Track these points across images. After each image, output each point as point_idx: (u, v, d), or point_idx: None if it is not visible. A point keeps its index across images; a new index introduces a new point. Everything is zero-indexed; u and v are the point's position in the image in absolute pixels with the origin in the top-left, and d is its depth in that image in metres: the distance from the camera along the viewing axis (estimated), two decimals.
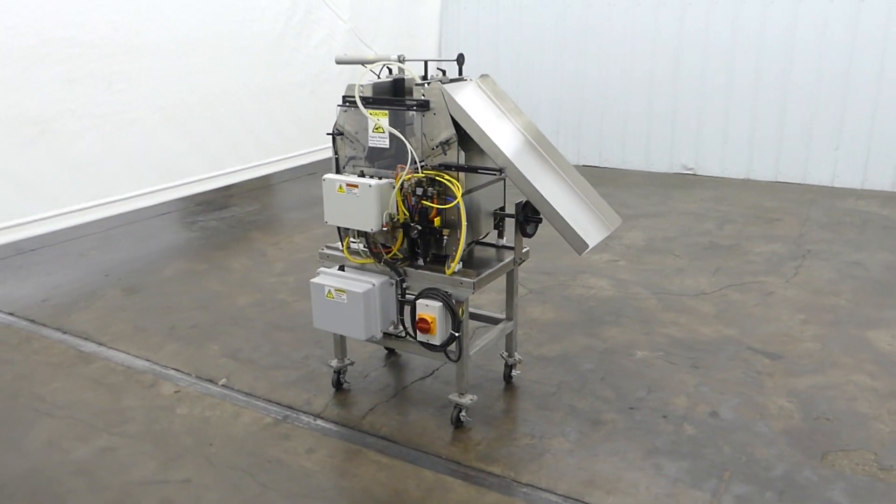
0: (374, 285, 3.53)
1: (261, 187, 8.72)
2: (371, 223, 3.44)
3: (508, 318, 3.97)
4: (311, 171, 9.36)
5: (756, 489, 3.10)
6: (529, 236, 3.64)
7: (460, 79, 3.67)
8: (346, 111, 3.61)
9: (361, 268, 3.71)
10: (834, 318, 4.74)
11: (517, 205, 3.52)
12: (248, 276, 5.80)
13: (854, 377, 3.99)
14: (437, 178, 3.36)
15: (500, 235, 3.87)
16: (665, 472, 3.25)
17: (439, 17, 10.01)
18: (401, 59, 3.68)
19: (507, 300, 3.95)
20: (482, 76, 3.76)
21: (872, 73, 7.67)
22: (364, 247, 3.66)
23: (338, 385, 4.03)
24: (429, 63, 3.77)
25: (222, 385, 4.13)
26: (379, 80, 3.72)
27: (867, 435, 3.46)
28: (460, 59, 3.64)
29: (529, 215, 3.57)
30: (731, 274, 5.57)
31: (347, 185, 3.46)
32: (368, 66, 3.89)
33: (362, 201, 3.44)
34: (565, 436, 3.54)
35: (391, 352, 4.46)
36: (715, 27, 8.40)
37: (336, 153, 3.72)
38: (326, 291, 3.59)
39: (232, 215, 7.60)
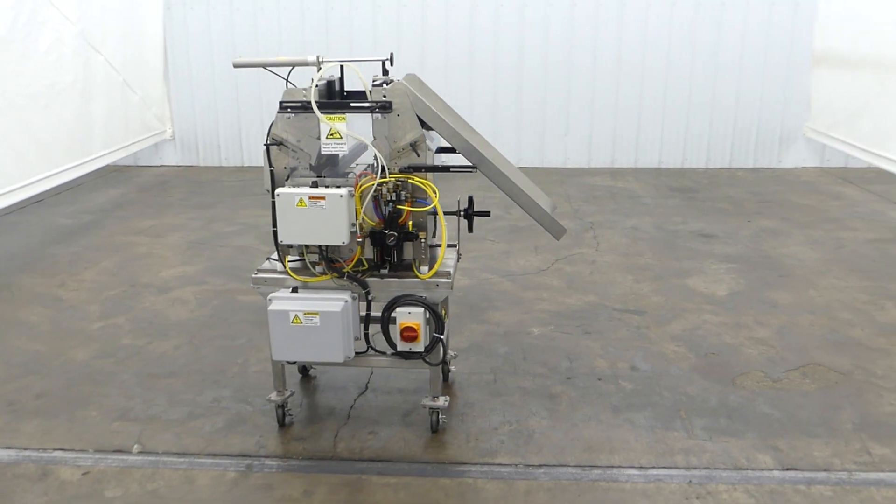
0: (347, 301, 3.31)
1: None
2: (342, 236, 3.23)
3: (445, 315, 4.00)
4: (39, 199, 7.98)
5: (711, 419, 3.67)
6: (471, 231, 3.74)
7: (389, 79, 3.58)
8: (289, 118, 3.29)
9: (304, 286, 3.44)
10: (654, 274, 5.65)
11: (458, 201, 3.60)
12: (61, 326, 4.81)
13: (704, 317, 4.85)
14: (409, 181, 3.28)
15: (433, 234, 3.88)
16: (637, 423, 3.65)
17: (162, 17, 9.17)
18: (320, 60, 3.47)
19: None
20: (408, 75, 3.71)
21: (588, 65, 9.04)
22: (314, 262, 3.40)
23: (283, 420, 3.66)
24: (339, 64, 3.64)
25: (139, 452, 3.46)
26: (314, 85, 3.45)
27: (746, 359, 4.28)
28: (391, 59, 3.55)
29: (474, 211, 3.67)
30: (549, 250, 6.23)
31: (310, 197, 3.19)
32: (271, 70, 3.62)
33: (330, 213, 3.20)
34: (537, 415, 3.74)
35: (305, 374, 4.16)
36: (454, 25, 9.08)
37: (271, 165, 3.37)
38: (292, 317, 3.26)
39: None
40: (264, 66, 3.61)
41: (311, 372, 4.18)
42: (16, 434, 3.60)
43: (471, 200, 3.66)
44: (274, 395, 3.65)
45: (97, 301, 5.21)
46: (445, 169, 3.38)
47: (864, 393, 3.86)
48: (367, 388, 4.02)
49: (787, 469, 3.27)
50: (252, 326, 4.79)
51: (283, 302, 3.30)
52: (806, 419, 3.65)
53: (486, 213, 3.70)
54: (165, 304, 5.16)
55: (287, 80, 3.58)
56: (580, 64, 9.05)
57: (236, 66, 3.60)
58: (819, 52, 8.26)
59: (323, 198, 3.18)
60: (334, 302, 3.29)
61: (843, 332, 4.55)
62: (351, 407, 3.84)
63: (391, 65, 3.54)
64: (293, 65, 3.53)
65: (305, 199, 3.19)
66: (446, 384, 4.08)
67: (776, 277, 5.50)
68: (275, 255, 3.69)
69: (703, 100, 8.98)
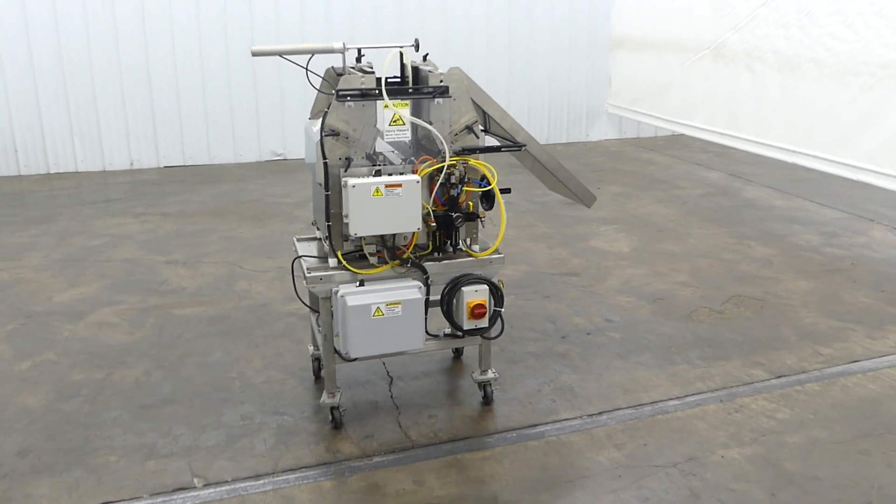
0: (421, 287, 3.30)
1: None
2: (416, 222, 3.23)
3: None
4: None
5: (697, 350, 4.28)
6: (489, 209, 3.89)
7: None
8: (350, 107, 3.15)
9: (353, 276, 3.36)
10: (558, 241, 6.20)
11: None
12: None
13: (628, 272, 5.50)
14: (469, 162, 3.35)
15: None
16: (647, 363, 4.13)
17: None
18: (345, 48, 3.39)
19: None
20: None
21: None
22: (372, 253, 3.32)
23: (341, 422, 3.51)
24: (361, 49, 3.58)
25: (204, 486, 3.11)
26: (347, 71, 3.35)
27: (685, 299, 4.99)
28: (416, 45, 3.53)
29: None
30: None
31: (387, 185, 3.13)
32: (286, 58, 3.45)
33: (406, 201, 3.18)
34: (562, 372, 4.04)
35: (319, 377, 3.99)
36: (284, 10, 8.78)
37: (325, 157, 3.20)
38: (374, 310, 3.17)
39: None
40: (282, 53, 3.40)
41: (323, 372, 4.02)
42: (31, 500, 3.01)
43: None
44: (327, 398, 3.49)
45: None
46: (497, 149, 3.51)
47: (785, 312, 4.78)
48: (390, 378, 3.99)
49: (779, 377, 3.99)
50: (218, 339, 4.40)
51: (360, 296, 3.19)
52: (761, 338, 4.43)
53: (507, 191, 3.87)
54: (91, 331, 4.50)
55: (307, 69, 3.43)
56: None
57: (255, 54, 3.34)
58: (617, 36, 9.46)
59: (400, 185, 3.14)
60: (410, 289, 3.27)
61: (737, 269, 5.50)
62: (391, 397, 3.80)
63: (416, 50, 3.54)
64: (316, 52, 3.38)
65: (382, 189, 3.12)
66: (459, 360, 4.20)
67: (656, 232, 6.38)
68: (307, 253, 3.52)
69: (522, 81, 9.80)
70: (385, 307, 3.20)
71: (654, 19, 8.75)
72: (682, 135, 9.42)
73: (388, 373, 4.03)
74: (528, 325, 4.60)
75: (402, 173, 3.25)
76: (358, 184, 3.12)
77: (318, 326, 3.71)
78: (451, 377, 4.05)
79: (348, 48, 3.41)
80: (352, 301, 3.17)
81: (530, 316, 4.73)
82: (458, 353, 4.23)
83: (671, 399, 3.78)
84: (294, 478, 3.17)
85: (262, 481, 3.14)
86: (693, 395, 3.82)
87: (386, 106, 3.17)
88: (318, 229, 3.79)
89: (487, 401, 3.74)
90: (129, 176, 8.41)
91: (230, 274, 5.42)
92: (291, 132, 9.22)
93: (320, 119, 3.53)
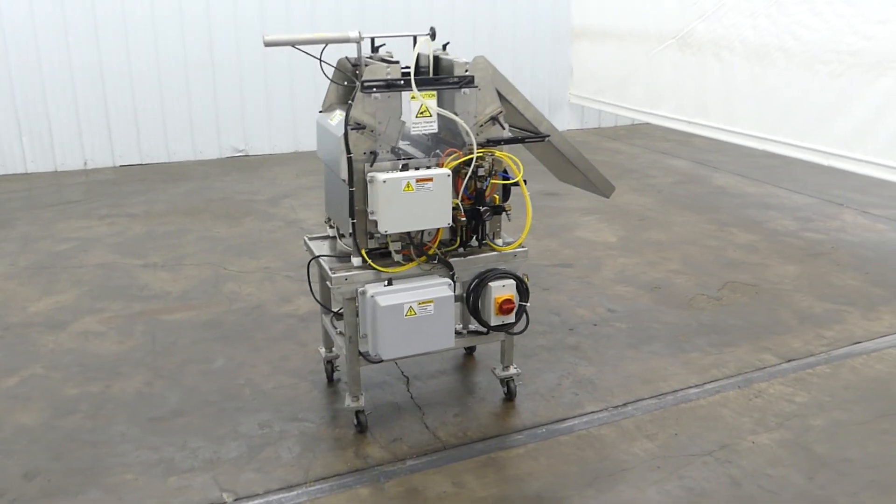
0: (450, 284, 3.21)
1: None
2: (447, 217, 3.14)
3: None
4: None
5: (704, 337, 4.31)
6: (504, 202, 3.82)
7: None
8: (377, 98, 3.02)
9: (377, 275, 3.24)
10: (545, 232, 6.17)
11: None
12: None
13: (620, 261, 5.52)
14: (495, 154, 3.27)
15: None
16: (658, 352, 4.14)
17: None
18: (361, 37, 3.26)
19: None
20: None
21: None
22: (397, 251, 3.21)
23: (366, 426, 3.39)
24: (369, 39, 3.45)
25: (235, 500, 2.95)
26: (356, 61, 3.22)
27: (681, 287, 5.03)
28: (433, 34, 3.41)
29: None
30: None
31: (418, 180, 3.02)
32: (299, 48, 3.30)
33: (437, 195, 3.09)
34: (578, 365, 4.01)
35: (330, 380, 3.85)
36: (242, 4, 8.48)
37: (350, 152, 3.06)
38: (407, 309, 3.06)
39: None
40: (295, 43, 3.23)
41: (336, 375, 3.88)
42: None
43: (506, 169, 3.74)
44: (351, 402, 3.36)
45: None
46: (521, 140, 3.44)
47: (780, 296, 4.87)
48: (405, 378, 3.88)
49: (789, 360, 4.05)
50: (216, 344, 4.20)
51: (392, 296, 3.07)
52: (764, 323, 4.50)
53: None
54: (77, 341, 4.23)
55: (321, 60, 3.27)
56: None
57: (267, 44, 3.17)
58: (578, 28, 9.52)
59: (431, 179, 3.04)
60: (440, 287, 3.17)
61: (725, 255, 5.59)
62: (412, 397, 3.70)
63: (433, 39, 3.43)
64: (331, 41, 3.23)
65: (413, 183, 3.01)
66: (471, 356, 4.12)
67: (639, 221, 6.43)
68: (322, 253, 3.39)
69: None
70: (417, 306, 3.09)
71: (617, 9, 8.81)
72: (644, 124, 9.59)
73: (402, 373, 3.92)
74: (534, 318, 4.49)
75: (428, 167, 3.15)
76: (389, 179, 2.99)
77: (336, 328, 3.59)
78: (466, 374, 3.97)
79: (363, 37, 3.28)
80: (383, 301, 3.05)
81: (534, 309, 4.61)
82: (469, 349, 4.15)
83: (691, 387, 3.80)
84: (328, 486, 3.03)
85: (295, 492, 3.00)
86: (711, 382, 3.85)
87: (413, 97, 3.06)
88: (330, 227, 3.65)
89: (511, 396, 3.68)
90: (84, 176, 7.98)
91: (215, 276, 5.18)
92: (252, 127, 8.94)
93: (334, 111, 3.42)
